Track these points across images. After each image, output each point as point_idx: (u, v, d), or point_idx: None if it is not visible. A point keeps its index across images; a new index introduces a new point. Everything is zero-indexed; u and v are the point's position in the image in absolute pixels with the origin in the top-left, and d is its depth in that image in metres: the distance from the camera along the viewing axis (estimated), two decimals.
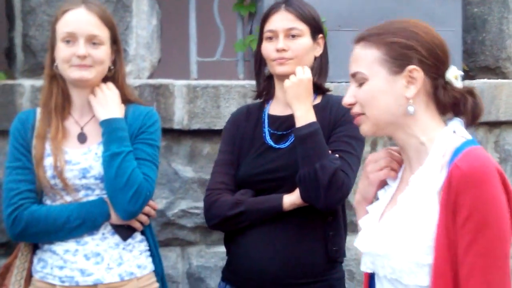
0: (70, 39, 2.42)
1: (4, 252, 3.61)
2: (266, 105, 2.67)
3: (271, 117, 2.62)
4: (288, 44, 2.53)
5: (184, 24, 4.01)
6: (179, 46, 4.25)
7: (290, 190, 2.49)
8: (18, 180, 2.44)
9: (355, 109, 1.85)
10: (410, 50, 1.77)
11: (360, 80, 1.83)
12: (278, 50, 2.53)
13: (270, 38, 2.56)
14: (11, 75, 3.76)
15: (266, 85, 2.66)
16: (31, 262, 2.51)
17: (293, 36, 2.54)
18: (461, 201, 1.67)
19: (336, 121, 2.53)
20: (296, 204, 2.47)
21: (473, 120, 1.81)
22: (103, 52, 2.45)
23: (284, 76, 2.53)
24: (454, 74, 1.81)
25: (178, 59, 4.25)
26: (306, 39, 2.56)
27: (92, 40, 2.43)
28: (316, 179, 2.39)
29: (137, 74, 3.69)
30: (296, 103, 2.47)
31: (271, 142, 2.58)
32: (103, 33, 2.45)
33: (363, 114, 1.84)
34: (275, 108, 2.64)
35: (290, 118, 2.54)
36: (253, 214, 2.50)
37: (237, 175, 2.58)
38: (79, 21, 2.43)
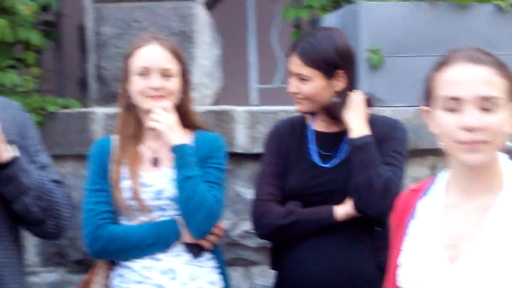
0: (145, 72, 2.63)
1: (78, 269, 3.82)
2: (311, 119, 2.72)
3: (316, 133, 2.69)
4: (299, 86, 2.62)
5: (244, 53, 4.18)
6: (240, 73, 4.41)
7: (336, 204, 2.58)
8: (97, 201, 2.63)
9: (480, 136, 1.62)
10: None
11: (489, 106, 1.63)
12: (292, 92, 2.66)
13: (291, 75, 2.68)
14: (85, 103, 3.99)
15: None
16: (108, 278, 2.70)
17: (302, 79, 2.61)
18: None
19: (382, 136, 2.60)
20: (349, 214, 2.56)
21: None
22: (175, 84, 2.66)
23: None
24: None
25: (238, 86, 4.42)
26: (315, 83, 2.60)
27: (165, 73, 2.63)
28: (370, 186, 2.49)
29: (200, 101, 3.88)
30: (352, 116, 2.59)
31: (316, 160, 2.65)
32: (175, 67, 2.66)
33: (486, 142, 1.63)
34: (320, 124, 2.71)
35: (336, 136, 2.65)
36: (305, 224, 2.58)
37: (285, 187, 2.65)
38: (153, 56, 2.63)
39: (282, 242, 2.66)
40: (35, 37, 3.78)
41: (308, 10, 4.03)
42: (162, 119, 2.59)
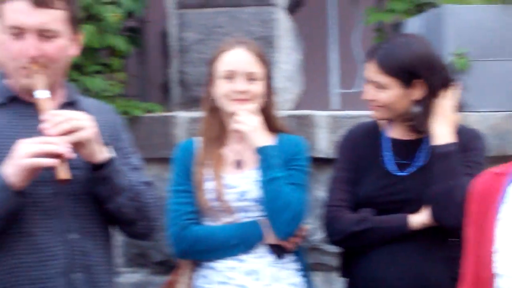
0: (230, 76, 2.65)
1: (161, 270, 3.89)
2: (386, 126, 2.69)
3: (392, 140, 2.66)
4: (375, 94, 2.59)
5: (324, 57, 4.18)
6: (320, 78, 4.41)
7: (411, 212, 2.54)
8: (182, 202, 2.66)
9: None
10: None
11: None
12: (368, 99, 2.63)
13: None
14: (167, 108, 4.07)
15: None
16: (192, 279, 2.73)
17: (379, 87, 2.57)
18: None
19: (462, 146, 2.55)
20: (424, 224, 2.52)
21: None
22: (260, 87, 2.68)
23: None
24: None
25: (319, 91, 4.42)
26: (392, 91, 2.55)
27: (250, 77, 2.65)
28: (450, 197, 2.44)
29: (281, 106, 3.89)
30: (437, 123, 2.54)
31: (391, 168, 2.62)
32: (260, 70, 2.68)
33: None
34: (396, 131, 2.67)
35: (413, 143, 2.60)
36: (379, 231, 2.56)
37: (358, 193, 2.63)
38: (239, 60, 2.66)
39: (353, 249, 2.65)
40: (120, 43, 3.87)
41: (390, 14, 4.00)
42: (247, 121, 2.62)
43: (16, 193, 2.04)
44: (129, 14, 4.09)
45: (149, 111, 3.98)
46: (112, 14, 3.72)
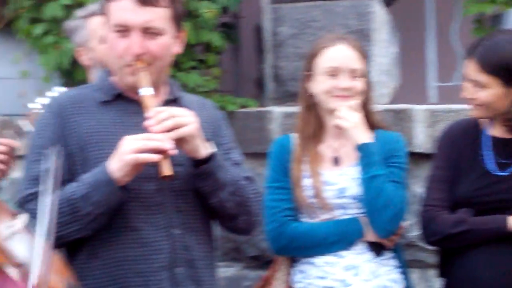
0: (334, 72, 2.62)
1: (254, 265, 3.91)
2: (487, 124, 2.63)
3: (493, 139, 2.60)
4: (475, 92, 2.53)
5: (422, 50, 4.10)
6: (417, 71, 4.34)
7: (511, 213, 2.49)
8: (280, 199, 2.65)
9: None
10: None
11: None
12: (467, 97, 2.57)
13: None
14: (262, 103, 4.08)
15: None
16: (289, 274, 2.73)
17: (479, 85, 2.51)
18: None
19: None
20: None
21: None
22: (362, 84, 2.65)
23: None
24: None
25: (416, 84, 4.34)
26: (493, 90, 2.49)
27: (353, 74, 2.62)
28: None
29: (377, 100, 3.84)
30: None
31: (491, 168, 2.57)
32: (361, 66, 2.65)
33: None
34: (498, 130, 2.61)
35: None
36: (477, 233, 2.52)
37: (456, 193, 2.59)
38: (342, 56, 2.63)
39: (451, 249, 2.61)
40: (216, 39, 3.90)
41: (491, 5, 3.88)
42: (348, 117, 2.59)
43: (120, 188, 2.08)
44: (224, 10, 4.11)
45: (243, 106, 4.00)
46: (207, 10, 3.76)
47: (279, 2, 3.98)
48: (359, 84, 2.63)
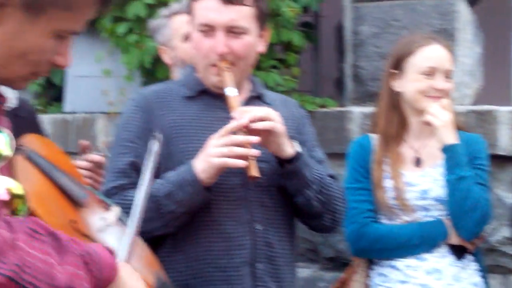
0: (431, 72, 2.58)
1: (330, 266, 3.88)
2: None
3: None
4: None
5: (507, 50, 4.00)
6: (502, 72, 4.23)
7: None
8: (360, 200, 2.63)
9: None
10: None
11: None
12: None
13: None
14: (341, 103, 4.05)
15: None
16: (368, 277, 2.69)
17: None
18: None
19: None
20: None
21: None
22: (453, 85, 2.64)
23: None
24: None
25: (500, 85, 4.24)
26: None
27: (447, 75, 2.60)
28: None
29: (460, 101, 3.77)
30: None
31: None
32: (452, 68, 2.63)
33: None
34: None
35: None
36: None
37: None
38: (439, 57, 2.60)
39: None
40: (296, 38, 3.90)
41: None
42: (440, 115, 2.54)
43: (204, 189, 2.09)
44: (305, 9, 4.10)
45: (322, 106, 3.98)
46: (289, 9, 3.75)
47: (360, 1, 3.95)
48: (451, 85, 2.62)
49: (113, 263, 1.37)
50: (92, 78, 4.61)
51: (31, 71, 1.34)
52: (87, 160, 2.52)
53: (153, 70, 4.12)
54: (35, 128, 2.47)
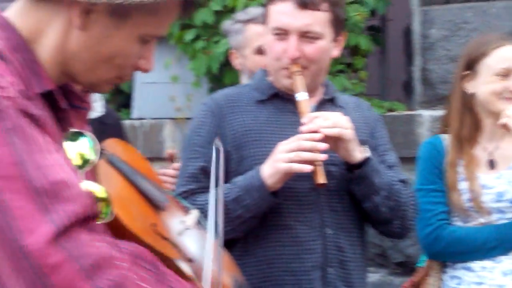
0: (506, 74, 2.55)
1: (400, 271, 3.84)
2: None
3: None
4: None
5: None
6: None
7: None
8: (434, 202, 2.60)
9: None
10: None
11: None
12: None
13: None
14: (409, 106, 4.01)
15: None
16: (441, 280, 2.66)
17: None
18: None
19: None
20: None
21: None
22: None
23: None
24: None
25: None
26: None
27: None
28: None
29: None
30: None
31: None
32: None
33: None
34: None
35: None
36: None
37: None
38: None
39: None
40: (363, 42, 3.87)
41: None
42: None
43: (271, 194, 2.10)
44: (372, 13, 4.08)
45: (390, 110, 3.95)
46: (356, 13, 3.74)
47: (429, 4, 3.90)
48: None
49: None
50: (160, 85, 4.67)
51: (116, 75, 1.37)
52: (174, 169, 2.57)
53: (220, 76, 4.15)
54: (120, 135, 2.53)
